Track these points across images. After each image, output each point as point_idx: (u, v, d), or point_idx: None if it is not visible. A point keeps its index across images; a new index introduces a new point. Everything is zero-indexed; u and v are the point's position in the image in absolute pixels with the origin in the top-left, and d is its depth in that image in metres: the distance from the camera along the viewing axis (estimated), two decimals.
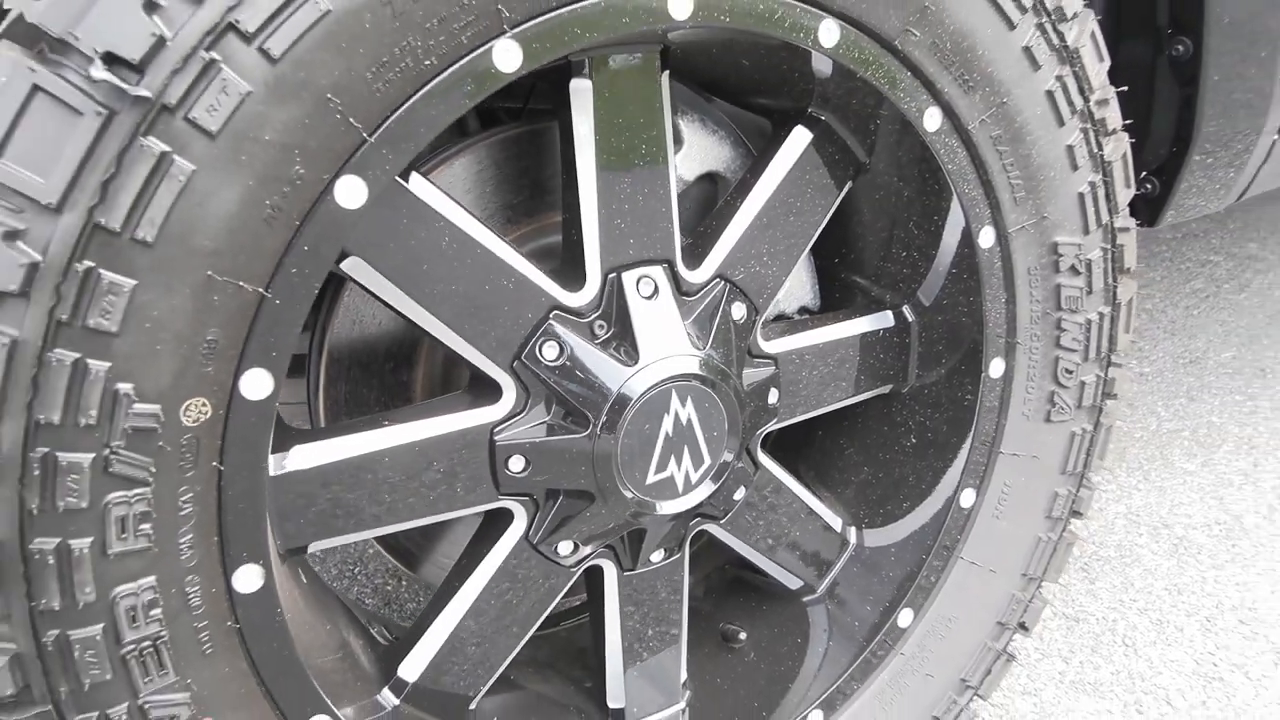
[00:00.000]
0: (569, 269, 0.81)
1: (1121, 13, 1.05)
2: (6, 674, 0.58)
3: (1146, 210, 1.12)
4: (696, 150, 0.92)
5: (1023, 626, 1.04)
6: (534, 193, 0.90)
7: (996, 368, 0.95)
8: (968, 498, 0.99)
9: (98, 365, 0.56)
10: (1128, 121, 0.94)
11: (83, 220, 0.54)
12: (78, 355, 0.55)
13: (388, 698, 0.82)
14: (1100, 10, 1.07)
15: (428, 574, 0.99)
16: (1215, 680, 1.22)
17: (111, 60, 0.53)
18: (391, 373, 0.89)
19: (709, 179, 0.94)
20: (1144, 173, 1.11)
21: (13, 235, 0.53)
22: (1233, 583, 1.39)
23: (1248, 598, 1.36)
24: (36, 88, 0.53)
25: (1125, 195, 0.94)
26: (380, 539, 0.96)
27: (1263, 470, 1.64)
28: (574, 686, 0.99)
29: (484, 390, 0.79)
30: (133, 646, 0.62)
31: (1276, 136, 1.12)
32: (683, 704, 0.97)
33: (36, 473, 0.56)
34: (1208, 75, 1.01)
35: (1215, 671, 1.24)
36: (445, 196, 0.72)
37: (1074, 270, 0.93)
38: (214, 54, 0.55)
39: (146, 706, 0.63)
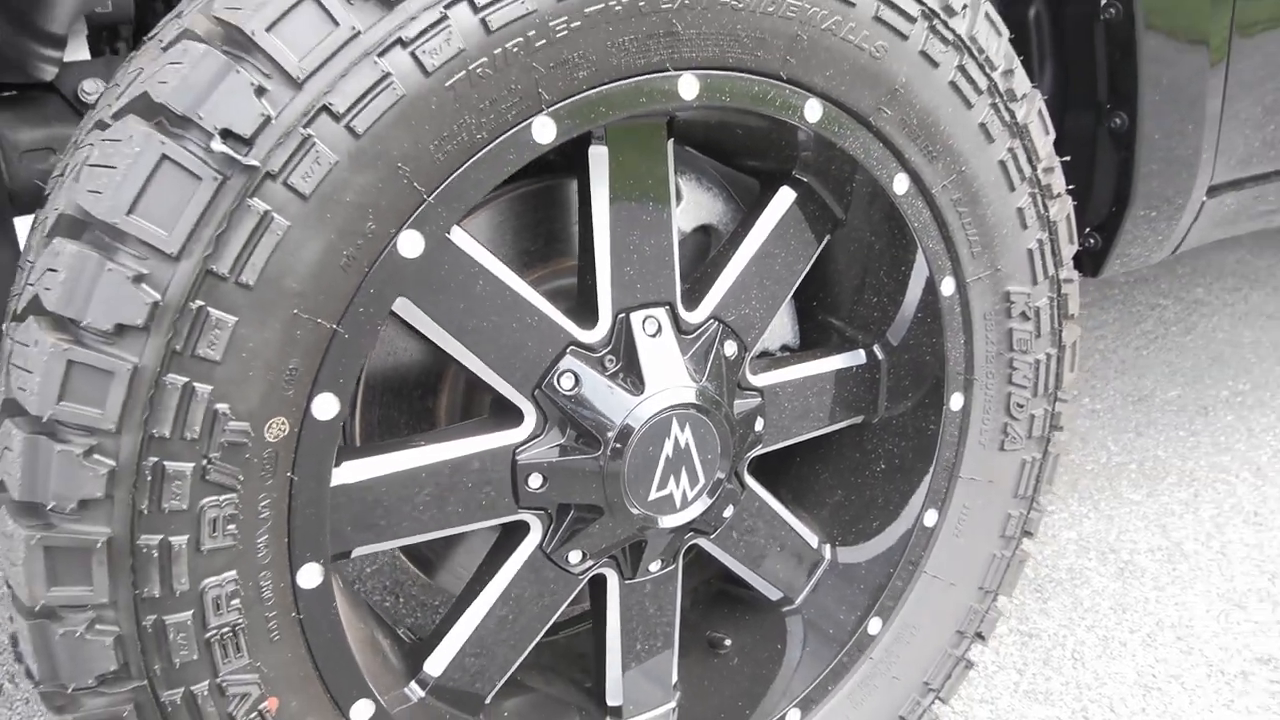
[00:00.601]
0: (583, 309, 0.92)
1: (1069, 89, 1.20)
2: (110, 652, 0.68)
3: (1090, 262, 1.26)
4: (694, 205, 1.05)
5: (979, 635, 1.17)
6: (548, 241, 1.01)
7: (956, 401, 1.08)
8: (931, 518, 1.11)
9: (203, 388, 0.67)
10: (1071, 186, 1.08)
11: (197, 267, 0.65)
12: (187, 379, 0.66)
13: (415, 690, 0.92)
14: (1050, 87, 1.22)
15: (443, 581, 1.10)
16: (1154, 690, 1.35)
17: (227, 135, 0.64)
18: (419, 399, 1.00)
19: (704, 231, 1.06)
20: (1088, 229, 1.25)
21: (139, 279, 0.64)
22: (1172, 603, 1.52)
23: (1185, 616, 1.49)
24: (164, 157, 0.64)
25: (1069, 250, 1.07)
26: (404, 549, 1.07)
27: (1202, 500, 1.79)
28: (575, 687, 1.10)
29: (507, 415, 0.90)
30: (216, 631, 0.72)
31: (1205, 198, 1.27)
32: (673, 703, 1.08)
33: (148, 479, 0.66)
34: (1142, 145, 1.15)
35: (1154, 682, 1.36)
36: (480, 246, 0.84)
37: (1024, 316, 1.06)
38: (310, 130, 0.66)
39: (224, 684, 0.73)
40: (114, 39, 1.49)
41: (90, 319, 0.64)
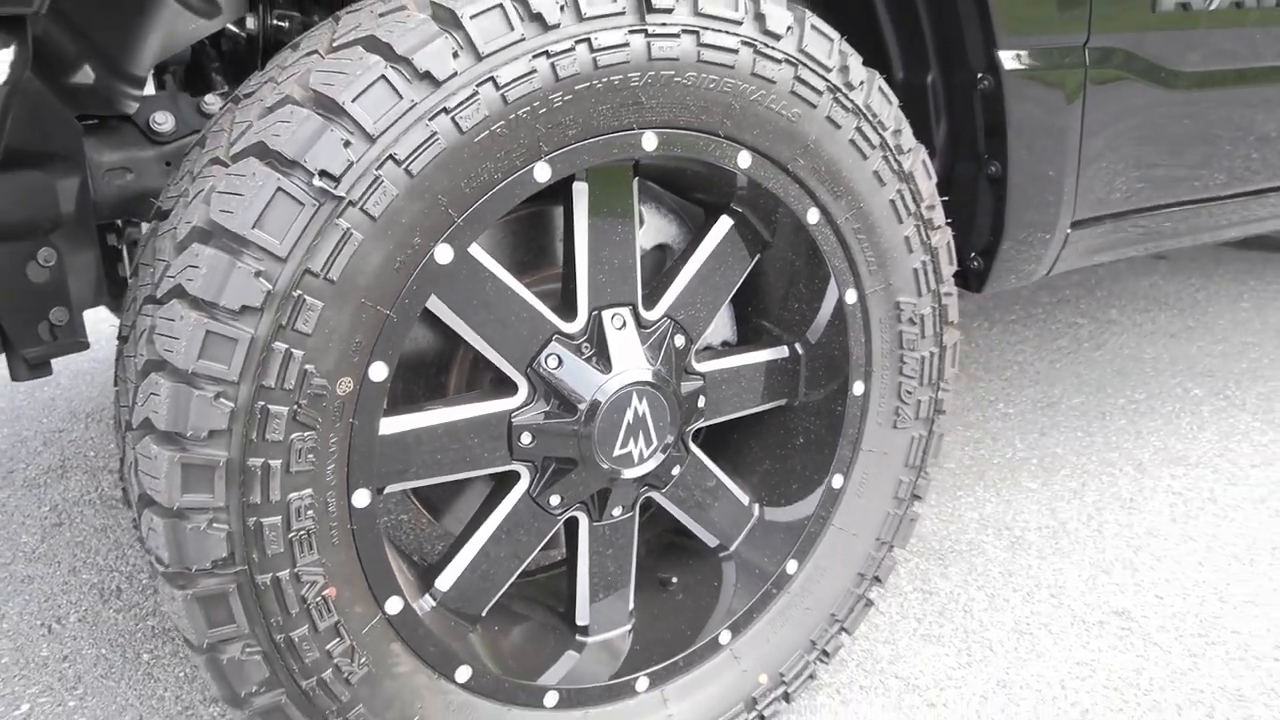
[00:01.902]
0: (566, 306, 1.21)
1: (958, 141, 1.50)
2: (223, 543, 0.95)
3: (976, 280, 1.57)
4: (653, 228, 1.34)
5: (877, 579, 1.46)
6: (539, 253, 1.30)
7: (858, 388, 1.37)
8: (838, 481, 1.40)
9: (297, 353, 0.94)
10: (954, 220, 1.38)
11: (298, 266, 0.93)
12: (287, 346, 0.94)
13: (428, 601, 1.19)
14: (944, 139, 1.52)
15: (446, 523, 1.37)
16: (1026, 635, 1.65)
17: (323, 174, 0.92)
18: (434, 375, 1.27)
19: (661, 248, 1.35)
20: (973, 253, 1.56)
21: (258, 274, 0.91)
22: (1051, 569, 1.82)
23: (1060, 579, 1.79)
24: (279, 189, 0.92)
25: (949, 270, 1.37)
26: (416, 495, 1.34)
27: (1088, 489, 2.10)
28: (552, 613, 1.37)
29: (505, 387, 1.18)
30: (295, 533, 0.99)
31: (1070, 230, 1.58)
32: (629, 626, 1.36)
33: (257, 417, 0.94)
34: (1012, 188, 1.46)
35: (1028, 629, 1.66)
36: (491, 258, 1.12)
37: (911, 321, 1.36)
38: (380, 172, 0.94)
39: (300, 573, 1.00)
40: (160, 73, 1.76)
41: (223, 301, 0.91)
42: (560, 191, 1.15)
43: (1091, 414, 2.46)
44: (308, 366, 0.95)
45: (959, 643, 1.63)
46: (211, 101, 1.39)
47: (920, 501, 1.47)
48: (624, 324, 1.22)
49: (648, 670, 1.31)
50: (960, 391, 2.60)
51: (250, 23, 1.51)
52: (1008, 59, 1.37)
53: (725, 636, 1.37)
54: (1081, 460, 2.23)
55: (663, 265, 1.35)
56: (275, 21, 1.50)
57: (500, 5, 0.98)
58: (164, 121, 1.36)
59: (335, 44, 1.00)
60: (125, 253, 1.62)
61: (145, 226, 1.29)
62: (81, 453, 2.32)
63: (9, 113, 0.88)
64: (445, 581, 1.20)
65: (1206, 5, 1.51)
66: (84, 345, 1.33)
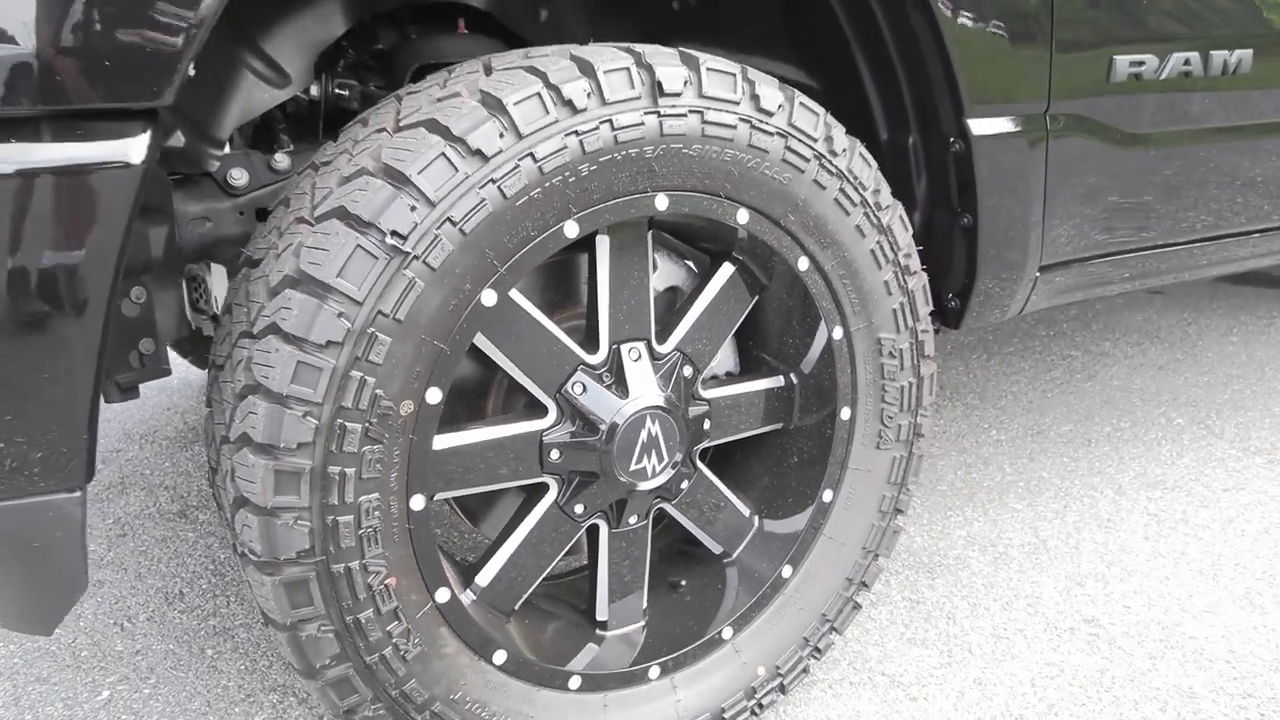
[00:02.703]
0: (589, 340, 1.41)
1: (935, 197, 1.71)
2: (306, 537, 1.16)
3: (953, 318, 1.77)
4: (664, 272, 1.55)
5: (864, 584, 1.65)
6: (567, 294, 1.50)
7: (846, 414, 1.57)
8: (828, 496, 1.60)
9: (370, 380, 1.15)
10: (928, 265, 1.59)
11: (372, 308, 1.14)
12: (361, 374, 1.15)
13: (470, 594, 1.39)
14: (924, 193, 1.73)
15: (483, 529, 1.58)
16: (1003, 639, 1.84)
17: (394, 234, 1.14)
18: (474, 400, 1.48)
19: (671, 290, 1.56)
20: (951, 294, 1.76)
21: (340, 315, 1.13)
22: (1029, 581, 2.01)
23: (1037, 590, 1.98)
24: (358, 246, 1.13)
25: (925, 310, 1.58)
26: (457, 503, 1.54)
27: (1070, 510, 2.29)
28: (575, 610, 1.57)
29: (537, 410, 1.39)
30: (364, 530, 1.20)
31: (1038, 274, 1.78)
32: (643, 622, 1.56)
33: (336, 432, 1.15)
34: (982, 238, 1.66)
35: (1004, 634, 1.85)
36: (526, 300, 1.33)
37: (891, 355, 1.56)
38: (439, 231, 1.15)
39: (367, 564, 1.21)
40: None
41: (312, 337, 1.12)
42: (585, 243, 1.36)
43: (1078, 441, 2.64)
44: (378, 391, 1.16)
45: (941, 645, 1.82)
46: (280, 160, 1.61)
47: (902, 515, 1.67)
48: (640, 356, 1.43)
49: (659, 660, 1.51)
50: (956, 419, 2.80)
51: (314, 90, 1.74)
52: (976, 126, 1.58)
53: (728, 632, 1.56)
54: (1065, 484, 2.41)
55: (673, 305, 1.55)
56: (335, 90, 1.73)
57: (538, 94, 1.20)
58: (239, 177, 1.57)
59: (401, 124, 1.21)
60: (184, 290, 1.84)
61: (213, 268, 1.51)
62: (139, 470, 2.54)
63: (146, 187, 1.09)
64: (485, 578, 1.40)
65: (1157, 75, 1.72)
66: (167, 372, 1.55)
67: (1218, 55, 1.78)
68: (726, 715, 1.55)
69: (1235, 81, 1.82)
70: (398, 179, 1.15)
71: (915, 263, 1.55)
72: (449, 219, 1.16)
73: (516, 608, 1.45)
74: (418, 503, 1.25)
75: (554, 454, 1.38)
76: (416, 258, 1.15)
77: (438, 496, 1.33)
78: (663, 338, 1.46)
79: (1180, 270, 2.05)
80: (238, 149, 1.69)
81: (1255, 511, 2.27)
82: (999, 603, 1.94)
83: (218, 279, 1.69)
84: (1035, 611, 1.91)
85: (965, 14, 1.50)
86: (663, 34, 1.84)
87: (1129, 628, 1.86)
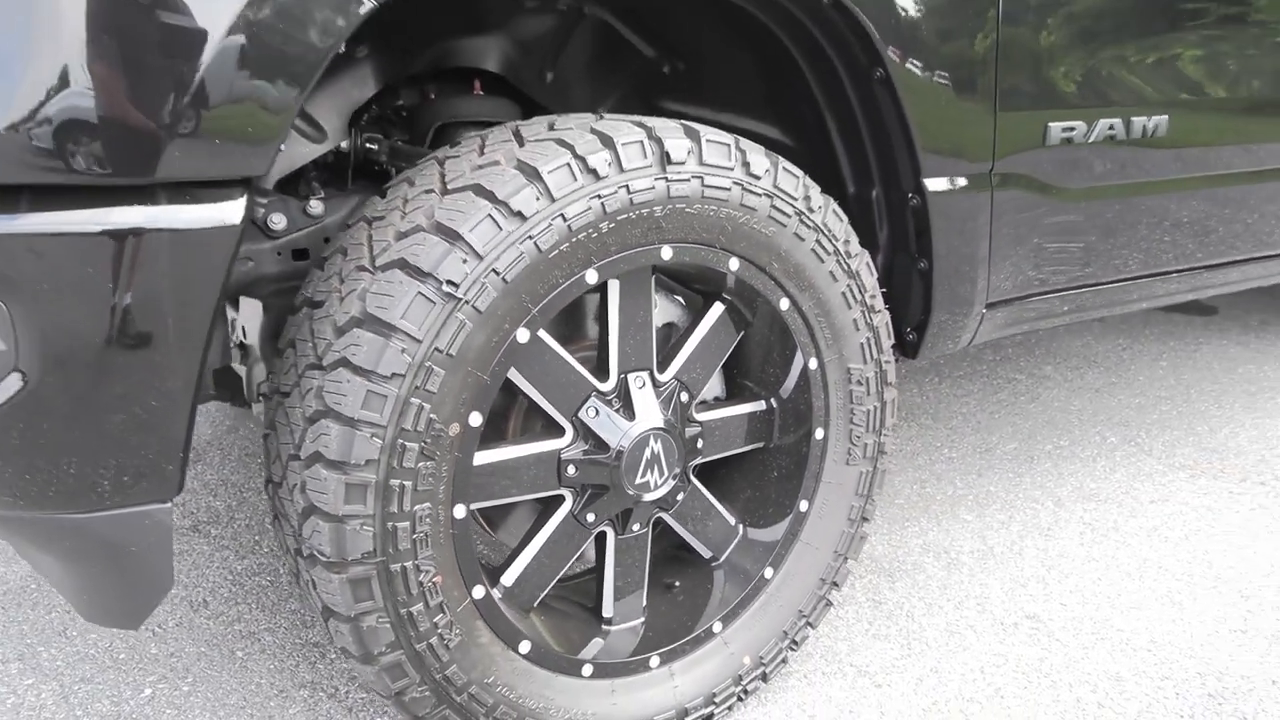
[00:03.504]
0: (600, 370, 1.64)
1: (895, 243, 1.97)
2: (370, 541, 1.37)
3: (911, 349, 2.02)
4: (663, 311, 1.78)
5: (835, 584, 1.89)
6: (576, 329, 1.73)
7: (819, 434, 1.81)
8: (804, 506, 1.84)
9: (425, 406, 1.37)
10: (889, 304, 1.84)
11: (429, 345, 1.36)
12: (419, 401, 1.36)
13: (496, 593, 1.60)
14: (886, 240, 1.98)
15: (502, 536, 1.79)
16: (956, 634, 2.09)
17: (448, 282, 1.36)
18: (498, 423, 1.70)
19: (669, 326, 1.79)
20: (909, 328, 2.01)
21: (403, 350, 1.35)
22: (979, 584, 2.27)
23: (986, 592, 2.24)
24: (418, 293, 1.35)
25: (888, 343, 1.83)
26: (480, 511, 1.76)
27: (1014, 521, 2.55)
28: (584, 608, 1.79)
29: (556, 431, 1.61)
30: (417, 534, 1.41)
31: (985, 311, 2.05)
32: (643, 618, 1.79)
33: (397, 450, 1.36)
34: (936, 280, 1.92)
35: (956, 629, 2.10)
36: (550, 337, 1.55)
37: (859, 383, 1.81)
38: (485, 280, 1.38)
39: (419, 564, 1.42)
40: None
41: (379, 369, 1.34)
42: (599, 286, 1.59)
43: (1022, 458, 2.92)
44: (432, 415, 1.38)
45: (901, 640, 2.07)
46: (315, 205, 1.81)
47: (868, 523, 1.91)
48: (643, 384, 1.66)
49: (659, 651, 1.73)
50: (911, 438, 3.06)
51: (344, 143, 1.95)
52: (931, 183, 1.84)
53: (718, 627, 1.79)
54: (1011, 497, 2.68)
55: (669, 339, 1.79)
56: (364, 143, 1.94)
57: (568, 164, 1.43)
58: (279, 222, 1.77)
59: (449, 187, 1.44)
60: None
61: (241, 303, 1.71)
62: None
63: (241, 242, 1.30)
64: (509, 578, 1.62)
65: (1085, 139, 2.00)
66: (213, 396, 1.75)
67: (1138, 120, 2.07)
68: (717, 699, 1.78)
69: (1154, 143, 2.11)
70: (451, 236, 1.38)
71: (879, 303, 1.80)
72: (494, 269, 1.38)
73: (535, 604, 1.67)
74: (460, 511, 1.47)
75: (570, 469, 1.61)
76: (467, 302, 1.37)
77: (474, 506, 1.54)
78: (663, 368, 1.69)
79: (1111, 305, 2.34)
80: (274, 196, 1.90)
81: (1177, 521, 2.55)
82: (951, 602, 2.20)
83: (246, 313, 1.90)
84: (984, 609, 2.17)
85: (923, 89, 1.76)
86: (654, 93, 2.09)
87: (1065, 622, 2.12)
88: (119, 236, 1.23)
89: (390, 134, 1.98)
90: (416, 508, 1.41)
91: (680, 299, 1.80)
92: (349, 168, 1.96)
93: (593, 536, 1.69)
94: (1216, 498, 2.67)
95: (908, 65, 1.72)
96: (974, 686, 1.92)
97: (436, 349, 1.36)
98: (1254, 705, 1.86)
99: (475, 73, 2.01)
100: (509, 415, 1.71)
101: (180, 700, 1.90)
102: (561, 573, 1.68)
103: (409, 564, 1.42)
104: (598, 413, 1.61)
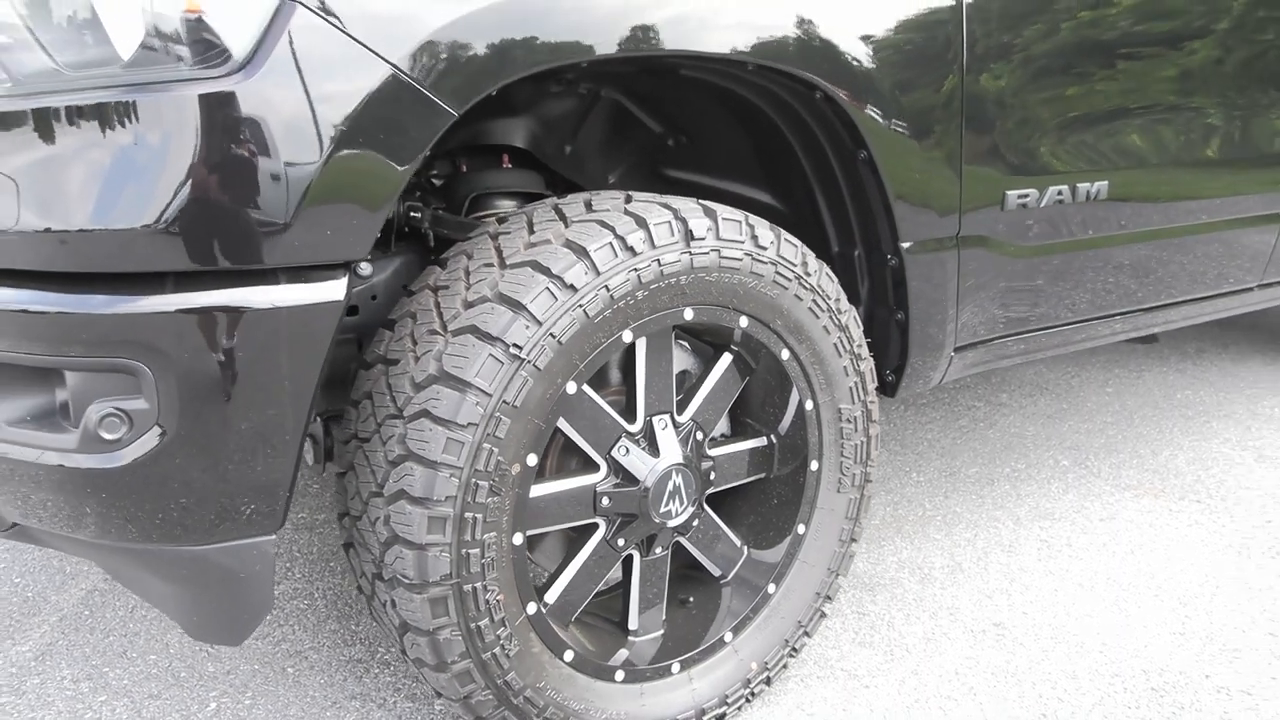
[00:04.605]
0: (629, 413, 1.92)
1: (876, 297, 2.28)
2: (447, 565, 1.64)
3: (890, 389, 2.33)
4: (680, 360, 2.07)
5: (829, 597, 2.19)
6: (604, 378, 2.01)
7: (814, 466, 2.11)
8: (801, 529, 2.13)
9: (495, 450, 1.64)
10: (874, 354, 2.14)
11: (498, 398, 1.63)
12: (490, 446, 1.63)
13: (540, 608, 1.87)
14: (868, 295, 2.29)
15: (537, 558, 2.06)
16: (932, 640, 2.39)
17: (514, 345, 1.63)
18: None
19: (684, 373, 2.08)
20: (889, 370, 2.32)
21: (477, 403, 1.62)
22: (950, 596, 2.58)
23: (956, 603, 2.54)
24: (489, 354, 1.62)
25: (872, 386, 2.13)
26: None
27: (978, 538, 2.87)
28: (611, 621, 2.07)
29: (591, 467, 1.89)
30: (485, 559, 1.68)
31: (953, 354, 2.36)
32: (662, 630, 2.06)
33: (471, 488, 1.63)
34: (912, 329, 2.23)
35: (933, 636, 2.40)
36: (589, 387, 1.83)
37: (848, 421, 2.11)
38: (543, 343, 1.65)
39: (486, 585, 1.68)
40: None
41: (458, 420, 1.61)
42: (631, 344, 1.88)
43: (983, 480, 3.25)
44: (499, 457, 1.65)
45: (885, 647, 2.37)
46: (365, 268, 2.06)
47: (855, 543, 2.21)
48: (666, 425, 1.94)
49: (679, 658, 2.01)
50: (882, 464, 3.37)
51: None
52: (906, 245, 2.15)
53: (729, 636, 2.08)
54: (975, 516, 3.00)
55: (684, 385, 2.08)
56: (408, 212, 2.21)
57: (610, 243, 1.71)
58: (366, 270, 2.02)
59: (508, 262, 1.71)
60: None
61: None
62: None
63: (340, 319, 1.56)
64: (552, 596, 1.89)
65: (1038, 204, 2.33)
66: None
67: (1082, 186, 2.40)
68: (729, 700, 2.06)
69: (1096, 206, 2.44)
70: (515, 306, 1.65)
71: (865, 351, 2.10)
72: (551, 334, 1.66)
73: (574, 619, 1.94)
74: (518, 538, 1.74)
75: (604, 500, 1.89)
76: (529, 362, 1.65)
77: (528, 533, 1.82)
78: (681, 410, 1.98)
79: (1062, 345, 2.67)
80: None
81: (1124, 537, 2.88)
82: (927, 612, 2.50)
83: None
84: (955, 619, 2.48)
85: (900, 168, 2.08)
86: (660, 162, 2.39)
87: (1027, 629, 2.43)
88: (246, 313, 1.49)
89: (429, 202, 2.25)
90: (485, 536, 1.68)
91: (694, 349, 2.09)
92: (392, 233, 2.22)
93: (621, 558, 1.97)
94: (1158, 515, 3.01)
95: (888, 149, 2.03)
96: (950, 685, 2.22)
97: (504, 401, 1.64)
98: (1190, 696, 2.19)
99: (503, 146, 2.29)
100: (547, 453, 1.99)
101: (244, 713, 2.14)
102: (595, 590, 1.95)
103: (478, 585, 1.69)
104: (628, 451, 1.90)
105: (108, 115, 1.44)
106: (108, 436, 1.50)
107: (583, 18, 1.66)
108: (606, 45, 1.68)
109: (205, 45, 1.43)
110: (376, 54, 1.49)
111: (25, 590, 2.62)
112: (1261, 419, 3.75)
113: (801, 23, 1.87)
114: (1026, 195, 2.31)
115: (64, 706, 2.16)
